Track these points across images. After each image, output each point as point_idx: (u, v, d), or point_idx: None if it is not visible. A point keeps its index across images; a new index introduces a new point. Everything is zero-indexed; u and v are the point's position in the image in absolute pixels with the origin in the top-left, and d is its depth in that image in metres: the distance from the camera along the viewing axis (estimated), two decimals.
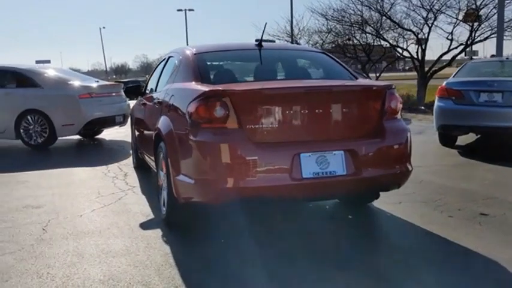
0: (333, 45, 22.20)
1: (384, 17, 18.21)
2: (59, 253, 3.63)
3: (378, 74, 21.61)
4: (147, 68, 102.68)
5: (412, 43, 18.87)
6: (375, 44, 20.32)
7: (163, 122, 4.13)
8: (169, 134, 3.91)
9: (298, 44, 24.01)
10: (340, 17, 20.04)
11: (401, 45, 19.51)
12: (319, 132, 3.62)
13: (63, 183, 6.04)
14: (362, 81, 4.13)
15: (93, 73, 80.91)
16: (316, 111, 3.58)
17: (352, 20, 19.69)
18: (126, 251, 3.64)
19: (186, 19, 54.63)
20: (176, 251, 3.64)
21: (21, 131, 9.00)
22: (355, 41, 20.76)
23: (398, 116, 3.96)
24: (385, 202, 4.82)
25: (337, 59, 4.57)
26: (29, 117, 8.95)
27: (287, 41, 24.31)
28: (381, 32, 18.94)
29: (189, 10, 55.60)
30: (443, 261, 3.40)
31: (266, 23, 4.34)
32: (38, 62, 46.45)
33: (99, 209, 4.81)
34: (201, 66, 4.11)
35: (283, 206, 4.44)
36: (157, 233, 4.04)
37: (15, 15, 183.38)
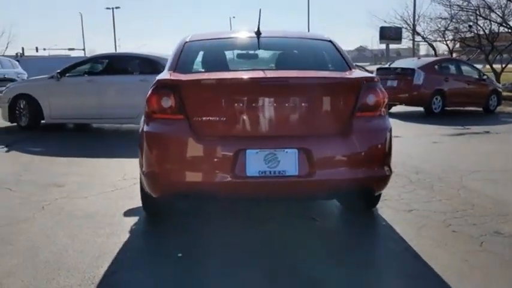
0: (454, 33, 20.48)
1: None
2: (32, 232, 3.83)
3: (503, 65, 19.38)
4: None
5: None
6: (501, 31, 18.29)
7: None
8: (141, 123, 3.90)
9: (415, 31, 22.60)
10: (461, 3, 18.37)
11: None
12: (272, 128, 3.33)
13: (103, 166, 6.37)
14: (345, 73, 3.67)
15: None
16: (269, 104, 3.30)
17: (474, 5, 17.91)
18: (90, 236, 3.73)
19: (309, 6, 53.96)
20: (131, 241, 3.64)
21: None
22: (479, 29, 18.87)
23: (380, 113, 3.47)
24: (395, 208, 4.36)
25: (341, 48, 4.15)
26: None
27: (404, 28, 23.00)
28: (507, 18, 16.97)
29: None
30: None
31: (260, 9, 4.07)
32: None
33: (108, 192, 4.99)
34: (183, 54, 4.00)
35: (267, 202, 4.19)
36: (132, 220, 4.07)
37: (160, 4, 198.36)
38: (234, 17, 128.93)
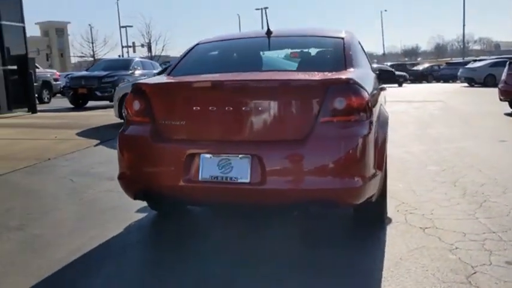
0: None
1: None
2: (50, 221, 4.26)
3: None
4: (441, 49, 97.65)
5: None
6: None
7: None
8: None
9: None
10: None
11: None
12: (228, 133, 3.22)
13: None
14: (325, 74, 3.32)
15: (387, 56, 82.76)
16: (227, 108, 3.18)
17: None
18: (89, 228, 3.99)
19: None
20: (117, 238, 3.78)
21: None
22: None
23: (354, 118, 3.08)
24: (412, 225, 3.90)
25: (349, 47, 3.81)
26: None
27: None
28: None
29: None
30: None
31: (267, 8, 3.95)
32: None
33: None
34: (187, 57, 4.09)
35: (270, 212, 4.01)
36: (139, 216, 4.26)
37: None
38: (385, 11, 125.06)
